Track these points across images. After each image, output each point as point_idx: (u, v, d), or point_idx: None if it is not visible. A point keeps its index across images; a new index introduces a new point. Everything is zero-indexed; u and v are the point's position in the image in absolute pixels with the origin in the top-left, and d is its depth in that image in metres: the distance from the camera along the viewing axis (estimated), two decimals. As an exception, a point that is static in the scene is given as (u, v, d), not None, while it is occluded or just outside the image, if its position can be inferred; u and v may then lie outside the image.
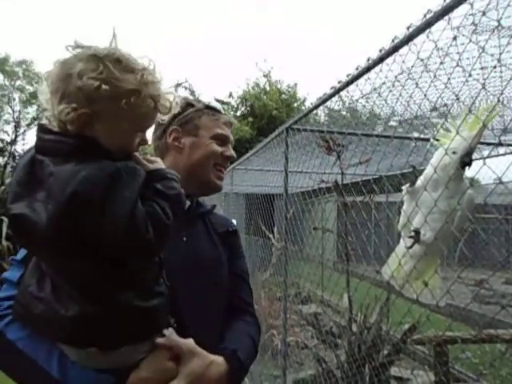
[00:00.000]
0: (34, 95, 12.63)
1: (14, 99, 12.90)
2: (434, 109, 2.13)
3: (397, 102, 1.80)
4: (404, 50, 1.23)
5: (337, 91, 1.69)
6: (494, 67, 1.39)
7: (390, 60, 1.32)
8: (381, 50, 1.31)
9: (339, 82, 1.63)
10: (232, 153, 1.05)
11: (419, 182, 1.45)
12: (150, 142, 0.86)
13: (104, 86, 0.63)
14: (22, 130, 13.22)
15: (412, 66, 1.29)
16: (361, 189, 2.09)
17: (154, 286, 0.72)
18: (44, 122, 0.68)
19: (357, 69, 1.47)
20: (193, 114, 1.01)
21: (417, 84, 1.38)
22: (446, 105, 2.00)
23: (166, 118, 0.75)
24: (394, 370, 2.97)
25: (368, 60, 1.39)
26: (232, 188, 4.72)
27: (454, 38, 1.09)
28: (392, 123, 2.78)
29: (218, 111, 1.06)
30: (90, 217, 0.59)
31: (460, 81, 1.61)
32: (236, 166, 4.22)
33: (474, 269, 6.70)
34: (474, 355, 3.92)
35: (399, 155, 3.38)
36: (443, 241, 1.39)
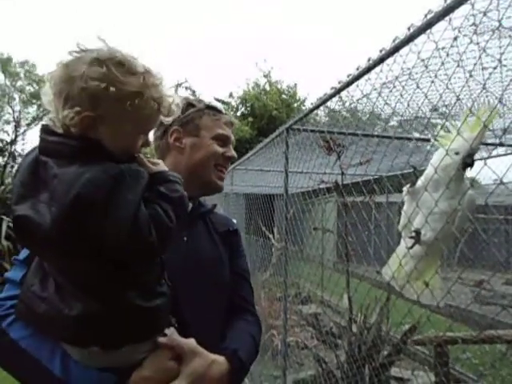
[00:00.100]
0: (34, 95, 12.65)
1: (15, 99, 12.91)
2: (435, 109, 2.13)
3: (397, 103, 1.80)
4: (405, 50, 1.23)
5: (337, 91, 1.69)
6: (495, 68, 1.39)
7: (390, 60, 1.32)
8: (381, 51, 1.31)
9: (339, 82, 1.63)
10: (233, 153, 1.05)
11: (420, 183, 1.45)
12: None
13: (107, 89, 0.64)
14: (22, 130, 13.22)
15: (413, 67, 1.29)
16: (361, 189, 2.09)
17: (156, 287, 0.73)
18: (47, 122, 0.69)
19: (357, 69, 1.47)
20: (194, 114, 1.01)
21: (417, 84, 1.37)
22: (446, 105, 2.00)
23: (169, 119, 0.75)
24: (395, 371, 2.97)
25: (368, 60, 1.39)
26: (232, 188, 4.72)
27: (455, 39, 1.09)
28: (392, 123, 2.78)
29: (219, 111, 1.06)
30: (94, 219, 0.59)
31: (461, 81, 1.60)
32: (236, 166, 4.22)
33: (474, 269, 6.70)
34: (474, 356, 3.92)
35: (400, 155, 3.37)
36: (444, 241, 1.39)
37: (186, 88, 11.39)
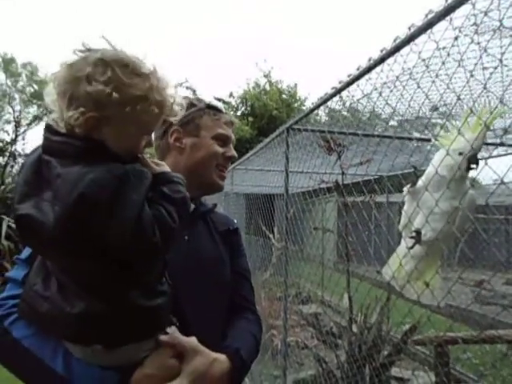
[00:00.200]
0: (34, 95, 12.64)
1: (15, 99, 12.90)
2: (435, 109, 2.13)
3: (398, 103, 1.80)
4: (405, 50, 1.23)
5: (338, 91, 1.69)
6: (496, 68, 1.39)
7: (391, 60, 1.31)
8: (382, 50, 1.31)
9: (340, 82, 1.63)
10: (233, 153, 1.05)
11: (420, 183, 1.45)
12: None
13: (112, 91, 0.64)
14: (22, 130, 13.22)
15: (413, 67, 1.29)
16: (361, 189, 2.09)
17: (157, 286, 0.73)
18: (51, 122, 0.69)
19: (358, 69, 1.47)
20: (194, 113, 1.01)
21: (418, 84, 1.37)
22: (446, 105, 2.00)
23: (174, 119, 0.76)
24: (395, 371, 2.97)
25: (369, 60, 1.39)
26: (232, 188, 4.72)
27: (456, 38, 1.08)
28: (393, 123, 2.77)
29: (220, 111, 1.06)
30: (98, 219, 0.59)
31: (461, 81, 1.60)
32: (236, 166, 4.22)
33: (474, 269, 6.69)
34: (475, 356, 3.92)
35: (400, 155, 3.37)
36: (444, 241, 1.39)
37: (187, 88, 11.40)
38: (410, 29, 1.16)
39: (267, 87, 13.20)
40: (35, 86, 12.59)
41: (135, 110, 0.66)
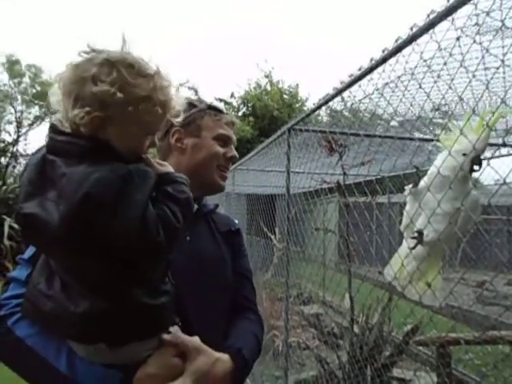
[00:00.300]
0: (36, 96, 12.67)
1: (17, 99, 12.93)
2: (437, 109, 2.12)
3: (400, 103, 1.80)
4: (407, 50, 1.23)
5: (339, 92, 1.69)
6: (498, 68, 1.38)
7: (393, 60, 1.31)
8: (384, 51, 1.31)
9: (342, 83, 1.63)
10: (234, 153, 1.05)
11: (422, 183, 1.44)
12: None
13: (117, 91, 0.64)
14: (24, 131, 13.24)
15: (415, 67, 1.29)
16: (363, 189, 2.08)
17: (161, 285, 0.74)
18: (55, 122, 0.69)
19: (359, 69, 1.47)
20: (195, 114, 1.01)
21: (420, 85, 1.37)
22: (447, 104, 2.00)
23: (178, 120, 0.76)
24: (397, 371, 2.96)
25: (371, 60, 1.39)
26: (234, 188, 4.72)
27: (458, 39, 1.08)
28: (394, 123, 2.77)
29: (221, 111, 1.06)
30: (102, 218, 0.60)
31: (463, 81, 1.60)
32: (238, 167, 4.22)
33: (476, 270, 6.68)
34: (477, 357, 3.91)
35: (402, 156, 3.37)
36: (446, 242, 1.39)
37: (190, 88, 11.42)
38: (411, 29, 1.16)
39: (268, 88, 13.20)
40: (38, 88, 12.62)
41: (139, 110, 0.67)
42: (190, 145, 1.00)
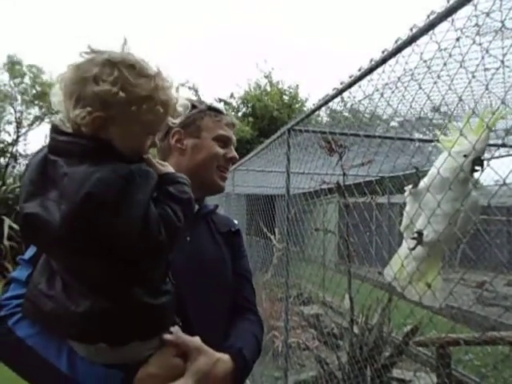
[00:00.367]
0: (36, 96, 12.67)
1: (17, 99, 12.92)
2: (437, 109, 2.13)
3: (400, 103, 1.80)
4: (407, 51, 1.23)
5: (339, 92, 1.69)
6: (498, 69, 1.38)
7: (392, 61, 1.31)
8: (383, 51, 1.31)
9: (341, 83, 1.63)
10: (234, 154, 1.06)
11: (422, 184, 1.45)
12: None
13: (119, 92, 0.65)
14: (23, 131, 13.23)
15: (415, 68, 1.29)
16: (363, 190, 2.09)
17: (162, 285, 0.74)
18: (57, 123, 0.69)
19: (359, 70, 1.47)
20: (195, 115, 1.02)
21: (420, 85, 1.37)
22: (447, 104, 2.00)
23: (177, 120, 0.77)
24: (396, 372, 2.97)
25: (371, 61, 1.39)
26: (233, 189, 4.72)
27: (458, 40, 1.08)
28: (394, 124, 2.77)
29: (221, 112, 1.06)
30: (104, 218, 0.60)
31: (463, 82, 1.60)
32: (237, 167, 4.22)
33: (476, 270, 6.68)
34: (477, 357, 3.91)
35: (401, 156, 3.37)
36: (446, 242, 1.39)
37: (190, 88, 11.42)
38: (411, 30, 1.16)
39: (268, 88, 13.21)
40: (38, 88, 12.62)
41: (141, 110, 0.67)
42: (190, 145, 1.00)
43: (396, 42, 1.24)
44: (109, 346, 0.67)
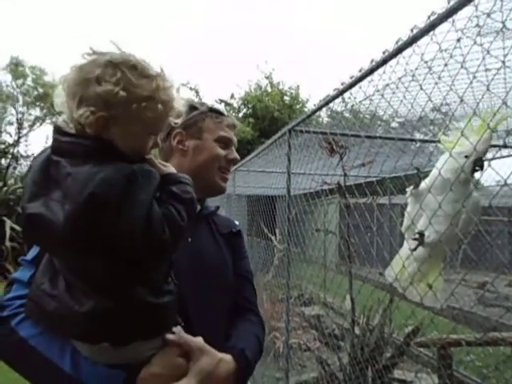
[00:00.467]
0: (38, 97, 12.70)
1: (18, 100, 12.95)
2: (437, 110, 2.12)
3: (400, 104, 1.80)
4: (408, 51, 1.23)
5: (340, 93, 1.69)
6: (499, 69, 1.38)
7: (393, 62, 1.31)
8: (384, 52, 1.31)
9: (342, 84, 1.63)
10: (235, 155, 1.06)
11: (423, 185, 1.44)
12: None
13: (122, 92, 0.65)
14: (24, 132, 13.26)
15: (416, 68, 1.29)
16: (364, 190, 2.08)
17: (164, 284, 0.74)
18: (60, 124, 0.70)
19: (360, 71, 1.47)
20: (196, 116, 1.02)
21: (421, 86, 1.37)
22: (447, 104, 2.00)
23: (178, 121, 0.77)
24: (398, 373, 2.96)
25: (371, 62, 1.39)
26: (234, 189, 4.73)
27: (458, 40, 1.08)
28: (395, 125, 2.77)
29: (222, 114, 1.07)
30: (107, 218, 0.60)
31: (464, 83, 1.60)
32: (238, 168, 4.22)
33: (477, 271, 6.67)
34: (478, 358, 3.90)
35: (403, 157, 3.37)
36: (447, 243, 1.39)
37: (191, 89, 11.44)
38: (412, 31, 1.16)
39: (269, 89, 13.21)
40: (40, 89, 12.66)
41: (142, 109, 0.68)
42: (192, 147, 1.01)
43: (397, 42, 1.24)
44: (112, 346, 0.68)
